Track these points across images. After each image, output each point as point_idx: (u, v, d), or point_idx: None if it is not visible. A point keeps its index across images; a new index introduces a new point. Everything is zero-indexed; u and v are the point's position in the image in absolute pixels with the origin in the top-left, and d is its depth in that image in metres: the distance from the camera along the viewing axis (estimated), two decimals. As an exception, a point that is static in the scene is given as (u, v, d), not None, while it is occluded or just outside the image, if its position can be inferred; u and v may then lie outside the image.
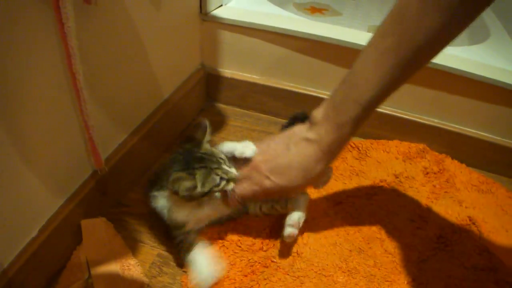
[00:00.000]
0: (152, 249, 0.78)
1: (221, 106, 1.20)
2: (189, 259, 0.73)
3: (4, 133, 0.57)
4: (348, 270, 0.75)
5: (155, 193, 0.75)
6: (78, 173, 0.76)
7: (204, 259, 0.73)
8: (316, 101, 1.15)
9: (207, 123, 0.75)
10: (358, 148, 1.02)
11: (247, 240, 0.78)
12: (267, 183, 0.68)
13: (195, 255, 0.73)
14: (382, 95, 0.62)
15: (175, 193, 0.68)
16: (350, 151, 1.02)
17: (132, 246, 0.78)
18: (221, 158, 0.71)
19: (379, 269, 0.76)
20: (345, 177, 0.95)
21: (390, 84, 0.61)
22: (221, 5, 1.11)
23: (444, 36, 0.59)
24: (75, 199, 0.74)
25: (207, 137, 0.74)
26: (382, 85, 0.61)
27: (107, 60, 0.74)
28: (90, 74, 0.65)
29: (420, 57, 0.61)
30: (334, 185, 0.92)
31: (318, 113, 0.66)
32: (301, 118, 0.72)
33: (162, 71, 0.94)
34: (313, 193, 0.88)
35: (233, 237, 0.79)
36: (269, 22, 1.05)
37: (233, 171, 0.71)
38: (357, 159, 1.00)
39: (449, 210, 0.87)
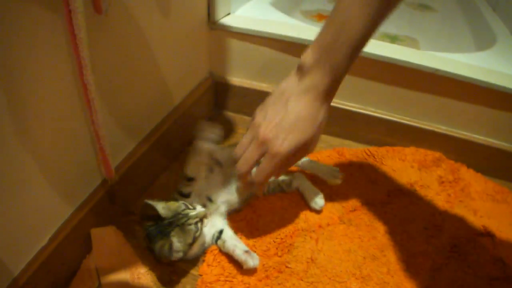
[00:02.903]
0: (162, 257, 0.78)
1: (230, 114, 1.23)
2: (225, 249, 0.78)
3: (16, 142, 0.58)
4: (362, 277, 0.77)
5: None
6: (88, 182, 0.77)
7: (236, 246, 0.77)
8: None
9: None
10: (374, 156, 1.05)
11: (262, 245, 0.81)
12: (284, 148, 0.66)
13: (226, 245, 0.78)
14: (371, 31, 0.63)
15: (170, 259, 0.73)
16: (366, 159, 1.05)
17: (141, 255, 0.79)
18: (182, 211, 0.74)
19: (392, 276, 0.78)
20: (360, 185, 0.97)
21: (378, 18, 0.62)
22: (229, 14, 1.14)
23: None
24: (85, 208, 0.76)
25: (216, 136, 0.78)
26: (370, 21, 0.61)
27: (117, 69, 0.77)
28: (100, 83, 0.66)
29: None
30: (349, 193, 0.95)
31: (307, 59, 0.66)
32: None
33: (170, 80, 0.95)
34: (328, 200, 0.91)
35: (248, 242, 0.82)
36: (276, 30, 1.07)
37: (198, 209, 0.75)
38: (372, 167, 1.03)
39: (463, 219, 0.89)
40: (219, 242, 0.79)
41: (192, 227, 0.74)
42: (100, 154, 0.73)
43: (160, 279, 0.76)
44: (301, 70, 0.67)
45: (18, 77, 0.55)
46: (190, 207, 0.76)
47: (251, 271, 0.76)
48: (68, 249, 0.72)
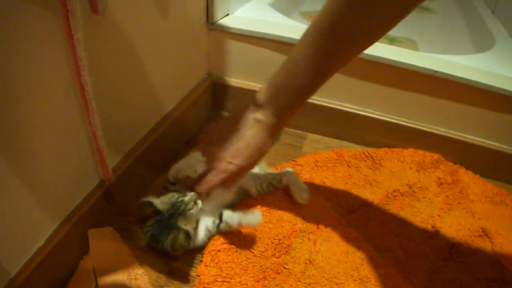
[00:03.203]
0: (159, 258, 0.79)
1: (228, 115, 1.20)
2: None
3: (12, 143, 0.58)
4: (360, 278, 0.77)
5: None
6: (85, 183, 0.78)
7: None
8: (324, 110, 1.15)
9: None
10: (372, 158, 1.06)
11: (260, 247, 0.81)
12: (231, 167, 0.78)
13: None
14: (318, 83, 0.74)
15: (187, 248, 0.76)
16: (364, 161, 1.05)
17: (139, 256, 0.80)
18: (177, 199, 0.77)
19: (390, 278, 0.78)
20: (358, 186, 0.98)
21: (327, 73, 0.73)
22: (228, 15, 1.14)
23: (369, 35, 0.68)
24: (82, 209, 0.76)
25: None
26: (318, 76, 0.72)
27: (114, 70, 0.78)
28: (97, 84, 0.66)
29: (351, 50, 0.70)
30: (348, 194, 0.95)
31: (261, 96, 0.77)
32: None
33: (169, 80, 0.96)
34: (326, 201, 0.93)
35: (246, 243, 0.82)
36: (275, 31, 1.07)
37: (190, 194, 0.78)
38: (371, 168, 1.03)
39: (462, 221, 0.90)
40: (222, 225, 0.80)
41: (192, 211, 0.76)
42: (97, 155, 0.73)
43: (157, 280, 0.76)
44: (256, 104, 0.78)
45: (14, 77, 0.55)
46: (181, 194, 0.77)
47: (248, 272, 0.76)
48: (65, 249, 0.72)
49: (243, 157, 0.78)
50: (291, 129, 1.19)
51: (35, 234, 0.67)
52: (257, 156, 0.80)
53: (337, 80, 1.08)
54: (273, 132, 0.79)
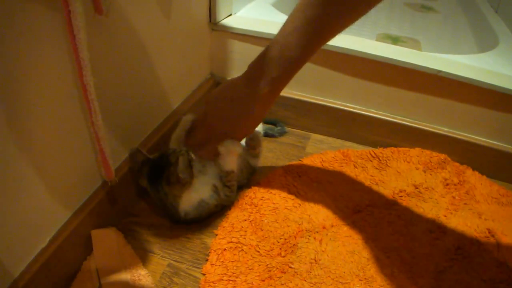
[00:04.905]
0: (162, 259, 0.80)
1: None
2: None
3: (14, 143, 0.58)
4: (365, 278, 0.78)
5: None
6: (88, 184, 0.78)
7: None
8: (327, 111, 1.15)
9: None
10: (379, 158, 1.07)
11: (266, 246, 0.82)
12: (225, 137, 0.85)
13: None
14: (309, 53, 0.77)
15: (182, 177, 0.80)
16: (371, 161, 1.06)
17: (142, 256, 0.80)
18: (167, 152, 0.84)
19: (396, 278, 0.79)
20: (364, 186, 0.99)
21: (316, 44, 0.76)
22: (230, 15, 1.15)
23: (358, 8, 0.72)
24: (85, 210, 0.77)
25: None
26: (309, 46, 0.76)
27: (117, 70, 0.78)
28: (100, 84, 0.66)
29: (342, 21, 0.73)
30: (354, 194, 0.96)
31: (254, 68, 0.82)
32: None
33: (172, 80, 0.96)
34: (332, 201, 0.93)
35: (252, 242, 0.83)
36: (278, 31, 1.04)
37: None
38: (377, 168, 1.04)
39: (468, 222, 0.91)
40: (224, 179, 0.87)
41: (185, 153, 0.82)
42: (100, 155, 0.73)
43: (161, 281, 0.76)
44: (248, 77, 0.82)
45: (17, 78, 0.56)
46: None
47: (254, 271, 0.77)
48: (69, 250, 0.73)
49: (238, 130, 0.86)
50: (294, 129, 1.20)
51: (38, 235, 0.68)
52: (251, 126, 0.88)
53: (340, 80, 1.08)
54: (266, 103, 0.83)
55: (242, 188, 0.95)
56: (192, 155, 0.83)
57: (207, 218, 0.87)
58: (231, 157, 0.86)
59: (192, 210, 0.84)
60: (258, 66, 0.81)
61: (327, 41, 0.77)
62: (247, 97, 0.82)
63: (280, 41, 0.78)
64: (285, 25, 0.77)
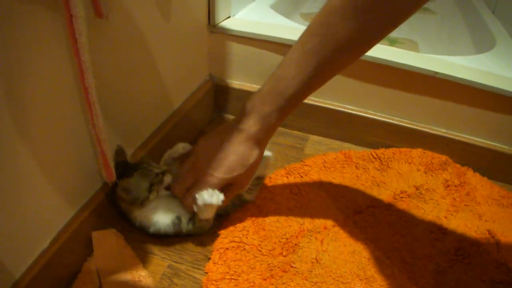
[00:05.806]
0: (162, 260, 0.80)
1: (230, 117, 1.24)
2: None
3: (16, 145, 0.59)
4: (366, 278, 0.79)
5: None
6: (89, 185, 0.79)
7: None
8: (325, 112, 1.15)
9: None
10: (380, 159, 1.08)
11: (268, 245, 0.83)
12: (212, 179, 0.77)
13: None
14: (305, 91, 0.73)
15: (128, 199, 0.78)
16: (372, 162, 1.08)
17: (142, 257, 0.81)
18: (147, 165, 0.80)
19: (396, 278, 0.80)
20: (366, 187, 1.00)
21: (313, 81, 0.72)
22: (229, 17, 1.16)
23: (361, 41, 0.67)
24: (86, 211, 0.77)
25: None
26: (305, 82, 0.71)
27: (117, 73, 0.79)
28: (101, 87, 0.66)
29: (340, 60, 0.70)
30: (355, 195, 0.97)
31: (248, 104, 0.76)
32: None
33: (171, 83, 0.97)
34: (334, 202, 0.94)
35: (254, 242, 0.84)
36: (276, 33, 1.09)
37: (162, 167, 0.82)
38: (378, 170, 1.05)
39: (468, 223, 0.92)
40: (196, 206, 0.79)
41: (152, 173, 0.78)
42: (101, 157, 0.74)
43: (161, 281, 0.76)
44: (240, 114, 0.77)
45: (19, 81, 0.56)
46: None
47: (255, 270, 0.78)
48: (69, 252, 0.74)
49: (223, 169, 0.77)
50: (292, 131, 1.21)
51: (39, 237, 0.68)
52: (239, 167, 0.78)
53: (338, 81, 1.09)
54: (258, 142, 0.78)
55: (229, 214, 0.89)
56: (168, 180, 0.81)
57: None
58: (207, 209, 0.78)
59: (147, 226, 0.81)
60: (251, 103, 0.76)
61: (327, 77, 0.72)
62: (236, 136, 0.77)
63: (276, 74, 0.74)
64: (283, 60, 0.73)
